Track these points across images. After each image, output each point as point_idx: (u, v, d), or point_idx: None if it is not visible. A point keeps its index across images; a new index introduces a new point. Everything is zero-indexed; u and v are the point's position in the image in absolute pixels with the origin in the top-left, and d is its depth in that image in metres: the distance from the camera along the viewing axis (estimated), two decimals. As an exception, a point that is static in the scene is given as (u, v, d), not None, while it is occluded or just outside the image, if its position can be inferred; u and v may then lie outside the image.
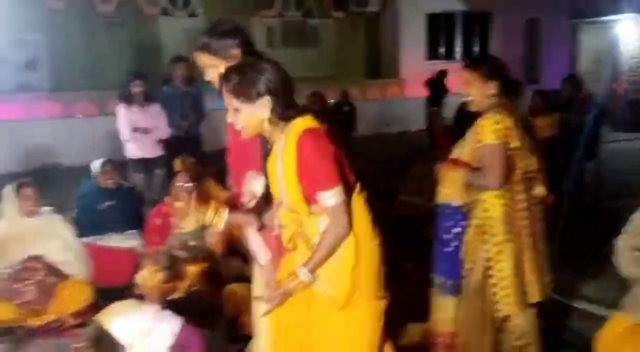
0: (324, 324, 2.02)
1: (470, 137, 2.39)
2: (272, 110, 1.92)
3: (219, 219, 2.12)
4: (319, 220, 1.94)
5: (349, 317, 1.99)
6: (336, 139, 1.99)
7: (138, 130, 4.76)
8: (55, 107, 9.28)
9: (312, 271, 1.93)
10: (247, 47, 2.22)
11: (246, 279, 3.61)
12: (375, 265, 2.03)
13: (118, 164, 4.39)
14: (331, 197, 1.90)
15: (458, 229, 2.35)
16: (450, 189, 2.35)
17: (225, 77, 1.95)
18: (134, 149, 4.88)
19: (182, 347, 1.64)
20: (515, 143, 2.31)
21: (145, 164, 4.89)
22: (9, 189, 3.70)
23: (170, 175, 4.31)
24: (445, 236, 2.37)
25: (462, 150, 2.42)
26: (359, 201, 2.01)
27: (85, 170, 4.76)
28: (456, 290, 2.36)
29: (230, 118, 1.98)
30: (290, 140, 1.90)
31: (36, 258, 3.50)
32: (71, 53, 9.82)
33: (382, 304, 2.05)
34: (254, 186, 2.29)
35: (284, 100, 1.93)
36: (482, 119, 2.34)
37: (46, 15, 9.33)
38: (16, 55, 9.63)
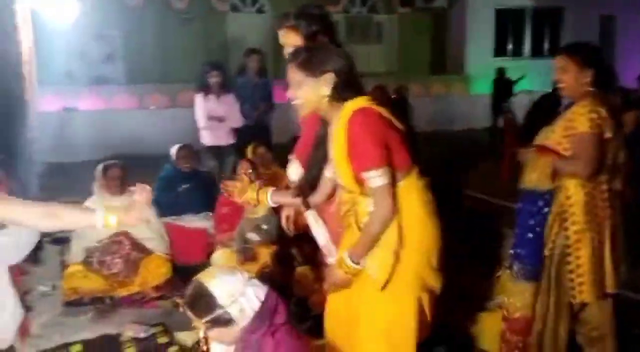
0: (365, 302, 2.03)
1: (560, 124, 2.38)
2: (333, 89, 1.94)
3: (262, 197, 2.28)
4: (369, 201, 1.95)
5: (389, 301, 1.99)
6: (397, 122, 1.99)
7: (213, 119, 4.97)
8: (131, 99, 9.76)
9: (358, 257, 1.93)
10: (331, 35, 2.34)
11: (317, 262, 3.78)
12: (425, 253, 2.00)
13: (194, 150, 4.61)
14: (375, 177, 1.88)
15: (541, 215, 2.36)
16: (536, 175, 2.36)
17: (294, 53, 2.02)
18: (208, 137, 5.10)
19: (268, 311, 1.76)
20: (608, 134, 2.30)
21: (218, 152, 5.11)
22: (98, 170, 3.99)
23: (235, 168, 4.49)
24: (528, 221, 2.38)
25: (549, 137, 2.41)
26: (415, 186, 1.99)
27: (156, 158, 5.04)
28: (535, 276, 2.37)
29: (290, 93, 2.01)
30: (342, 120, 1.92)
31: (123, 234, 3.76)
32: (146, 48, 10.31)
33: (428, 295, 2.04)
34: (289, 171, 2.43)
35: (346, 81, 1.95)
36: (577, 107, 2.33)
37: (124, 12, 9.82)
38: (96, 50, 10.21)
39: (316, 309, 3.32)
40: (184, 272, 3.55)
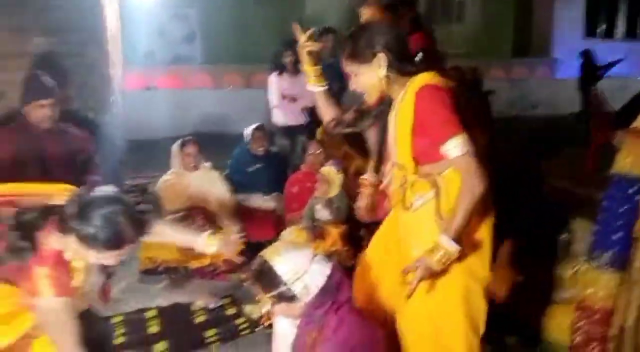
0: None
1: None
2: (389, 66, 1.88)
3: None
4: (423, 185, 1.89)
5: (434, 289, 1.89)
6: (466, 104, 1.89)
7: (286, 98, 5.00)
8: (207, 79, 10.01)
9: (455, 237, 1.77)
10: (414, 12, 2.26)
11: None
12: (479, 240, 1.91)
13: (267, 131, 4.67)
14: (456, 146, 1.78)
15: (632, 203, 2.20)
16: (631, 159, 2.19)
17: (342, 46, 1.97)
18: (280, 116, 5.13)
19: (333, 288, 1.74)
20: None
21: (289, 131, 5.13)
22: (175, 146, 4.13)
23: (305, 148, 4.51)
24: (616, 209, 2.23)
25: None
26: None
27: (230, 137, 5.14)
28: (621, 265, 2.23)
29: (352, 86, 1.99)
30: (408, 94, 1.86)
31: (197, 208, 3.89)
32: (223, 27, 10.50)
33: (477, 284, 1.93)
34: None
35: (400, 55, 1.88)
36: None
37: (202, -9, 10.03)
38: (174, 30, 10.52)
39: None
40: (254, 248, 3.62)
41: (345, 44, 1.96)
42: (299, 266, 1.72)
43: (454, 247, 1.77)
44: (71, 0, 4.60)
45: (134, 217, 1.88)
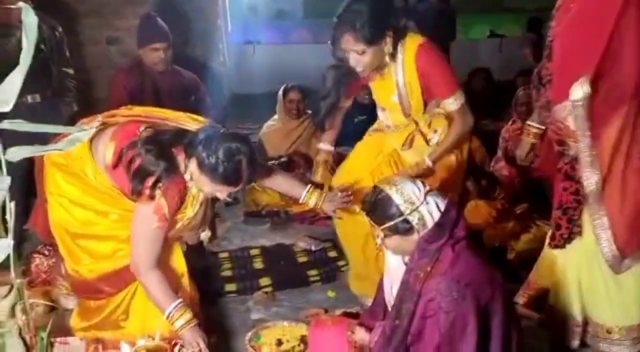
0: None
1: None
2: (392, 40, 2.16)
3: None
4: (439, 120, 2.34)
5: None
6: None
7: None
8: (308, 34, 9.99)
9: (435, 160, 2.34)
10: None
11: (492, 196, 3.60)
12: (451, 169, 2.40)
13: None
14: (453, 102, 2.27)
15: None
16: None
17: (345, 18, 2.13)
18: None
19: (449, 222, 1.67)
20: None
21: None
22: (279, 93, 4.17)
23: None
24: None
25: None
26: None
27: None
28: None
29: (352, 62, 2.18)
30: (408, 55, 2.19)
31: (299, 154, 3.92)
32: (323, -18, 10.37)
33: None
34: None
35: (400, 27, 2.18)
36: None
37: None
38: (277, -17, 10.55)
39: (489, 243, 3.20)
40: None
41: (353, 18, 2.10)
42: (416, 197, 1.67)
43: (431, 166, 2.34)
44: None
45: (253, 159, 1.93)
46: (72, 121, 3.06)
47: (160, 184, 1.91)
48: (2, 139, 1.49)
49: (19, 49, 1.33)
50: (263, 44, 9.35)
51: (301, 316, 2.61)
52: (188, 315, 2.01)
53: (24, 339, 1.63)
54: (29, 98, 3.06)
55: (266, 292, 2.83)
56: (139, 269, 2.02)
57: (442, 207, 1.69)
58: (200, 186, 1.96)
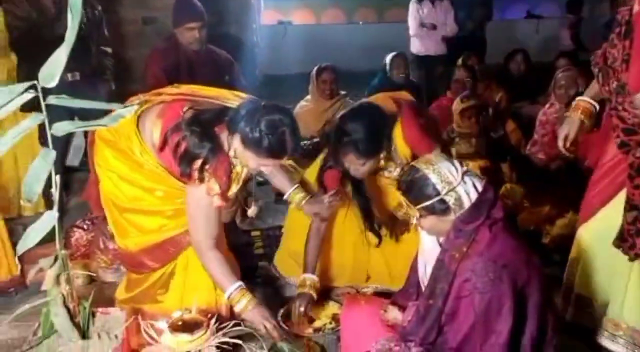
0: None
1: None
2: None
3: None
4: None
5: None
6: None
7: (425, 26, 4.79)
8: (339, 14, 9.92)
9: None
10: None
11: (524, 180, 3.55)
12: None
13: (407, 59, 4.55)
14: None
15: None
16: None
17: (353, 145, 2.22)
18: (418, 45, 4.96)
19: (487, 202, 1.65)
20: None
21: (426, 61, 4.95)
22: (313, 73, 4.16)
23: (450, 73, 4.32)
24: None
25: None
26: None
27: (360, 73, 5.08)
28: None
29: (353, 172, 2.32)
30: (399, 142, 2.42)
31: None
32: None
33: None
34: None
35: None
36: None
37: None
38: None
39: (523, 227, 3.16)
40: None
41: (354, 148, 2.22)
42: (453, 176, 1.65)
43: None
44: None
45: (295, 129, 1.93)
46: (109, 99, 3.13)
47: (207, 166, 1.93)
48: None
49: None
50: (295, 25, 9.33)
51: (332, 295, 2.64)
52: (249, 296, 2.04)
53: (67, 308, 1.69)
54: (69, 76, 3.13)
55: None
56: (200, 249, 2.05)
57: (480, 188, 1.67)
58: (245, 161, 1.97)
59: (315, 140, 3.95)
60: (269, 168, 1.98)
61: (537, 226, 3.15)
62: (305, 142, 3.90)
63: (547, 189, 3.44)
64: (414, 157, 2.43)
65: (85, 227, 2.92)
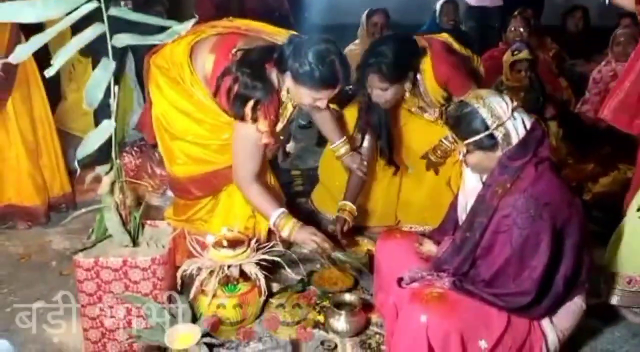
0: None
1: None
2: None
3: None
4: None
5: None
6: None
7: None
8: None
9: None
10: None
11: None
12: None
13: (458, 5, 4.43)
14: None
15: None
16: None
17: (372, 61, 2.23)
18: (475, -4, 4.80)
19: (534, 140, 1.65)
20: None
21: (481, 12, 4.80)
22: (363, 16, 4.11)
23: (505, 24, 4.19)
24: None
25: None
26: None
27: (409, 27, 4.98)
28: None
29: (376, 96, 2.30)
30: (427, 77, 2.39)
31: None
32: None
33: None
34: None
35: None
36: None
37: None
38: None
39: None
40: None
41: (379, 62, 2.22)
42: (502, 112, 1.64)
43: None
44: None
45: (343, 57, 1.93)
46: (161, 32, 3.16)
47: (259, 106, 1.94)
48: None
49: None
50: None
51: (365, 233, 2.70)
52: (292, 220, 2.07)
53: (120, 215, 1.79)
54: (122, 3, 3.17)
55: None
56: (242, 183, 2.09)
57: (528, 125, 1.66)
58: (300, 98, 1.97)
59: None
60: (324, 102, 1.97)
61: (579, 183, 3.11)
62: (351, 87, 3.89)
63: (593, 148, 3.37)
64: (449, 99, 2.44)
65: (134, 153, 3.04)
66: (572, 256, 1.64)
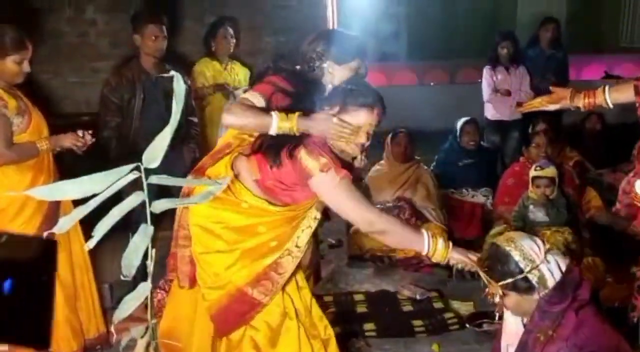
0: None
1: None
2: None
3: None
4: None
5: None
6: None
7: (499, 92, 4.79)
8: (411, 75, 10.07)
9: None
10: None
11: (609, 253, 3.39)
12: None
13: (479, 125, 4.55)
14: None
15: None
16: None
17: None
18: (492, 111, 4.94)
19: (572, 283, 1.63)
20: None
21: (501, 126, 4.92)
22: (388, 137, 4.25)
23: (525, 138, 4.27)
24: None
25: None
26: None
27: (432, 134, 5.12)
28: None
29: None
30: None
31: (405, 200, 3.94)
32: (429, 24, 10.47)
33: None
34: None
35: None
36: None
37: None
38: (382, 28, 10.76)
39: (606, 304, 2.99)
40: (459, 244, 3.55)
41: None
42: (535, 254, 1.64)
43: None
44: (297, 1, 5.02)
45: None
46: (194, 166, 3.29)
47: (294, 147, 1.84)
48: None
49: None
50: (367, 86, 9.53)
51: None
52: (440, 241, 1.86)
53: (155, 374, 1.76)
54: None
55: (367, 342, 2.84)
56: (370, 225, 1.89)
57: (563, 267, 1.65)
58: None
59: (389, 205, 3.96)
60: (373, 125, 2.00)
61: (622, 302, 2.98)
62: (379, 207, 3.92)
63: (632, 262, 3.27)
64: None
65: (167, 288, 3.05)
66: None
